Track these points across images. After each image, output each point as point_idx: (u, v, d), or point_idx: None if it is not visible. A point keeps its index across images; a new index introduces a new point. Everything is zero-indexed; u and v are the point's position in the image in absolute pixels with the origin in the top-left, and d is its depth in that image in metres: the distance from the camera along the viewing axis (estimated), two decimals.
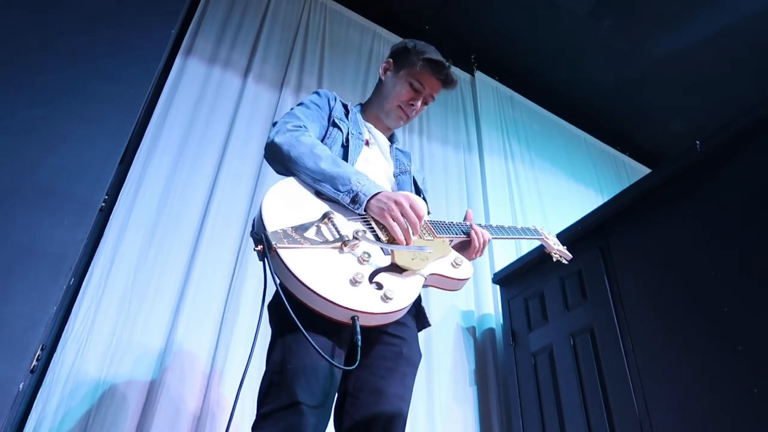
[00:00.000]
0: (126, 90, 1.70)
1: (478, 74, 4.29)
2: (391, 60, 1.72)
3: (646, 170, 4.93)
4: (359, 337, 1.10)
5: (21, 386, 1.22)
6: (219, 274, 2.42)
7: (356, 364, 1.11)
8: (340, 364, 1.25)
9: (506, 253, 3.32)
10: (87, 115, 1.61)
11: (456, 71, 4.19)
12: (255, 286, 2.42)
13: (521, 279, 2.83)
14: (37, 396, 1.90)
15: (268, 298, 1.25)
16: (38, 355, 1.28)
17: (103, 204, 1.54)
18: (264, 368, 1.28)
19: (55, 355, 1.99)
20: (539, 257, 2.70)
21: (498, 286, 3.02)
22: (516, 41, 4.16)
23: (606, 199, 2.56)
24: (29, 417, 1.86)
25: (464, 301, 3.10)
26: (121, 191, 2.41)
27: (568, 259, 1.79)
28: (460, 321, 3.02)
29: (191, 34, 3.04)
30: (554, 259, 1.78)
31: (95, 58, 1.72)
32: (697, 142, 2.05)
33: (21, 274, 1.32)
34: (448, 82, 1.67)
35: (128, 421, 1.98)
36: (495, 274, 3.04)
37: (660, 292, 2.09)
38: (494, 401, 2.76)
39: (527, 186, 3.96)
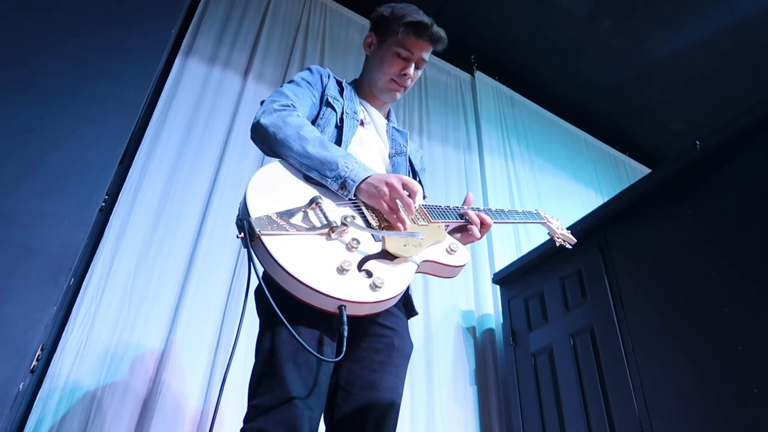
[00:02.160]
0: (126, 90, 1.70)
1: (478, 74, 4.29)
2: (372, 33, 1.62)
3: (646, 170, 4.93)
4: (346, 327, 1.06)
5: (21, 386, 1.22)
6: (219, 274, 2.42)
7: (341, 356, 1.08)
8: (331, 352, 1.20)
9: (506, 253, 3.32)
10: (87, 115, 1.61)
11: (456, 71, 4.21)
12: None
13: (521, 279, 2.83)
14: (37, 396, 1.90)
15: (254, 285, 1.21)
16: (38, 355, 1.28)
17: (103, 204, 1.54)
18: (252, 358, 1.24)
19: (55, 355, 1.99)
20: (539, 257, 2.70)
21: (498, 286, 3.02)
22: (516, 41, 4.16)
23: (606, 199, 2.56)
24: (29, 417, 1.86)
25: (464, 301, 3.10)
26: (121, 191, 2.41)
27: (573, 243, 1.70)
28: (460, 321, 3.02)
29: (191, 34, 3.04)
30: (557, 244, 1.69)
31: (95, 58, 1.72)
32: (697, 142, 2.05)
33: (21, 274, 1.32)
34: (435, 41, 1.56)
35: (128, 421, 1.98)
36: (495, 274, 3.04)
37: (660, 292, 2.09)
38: (494, 401, 2.76)
39: (527, 186, 3.96)
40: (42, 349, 1.31)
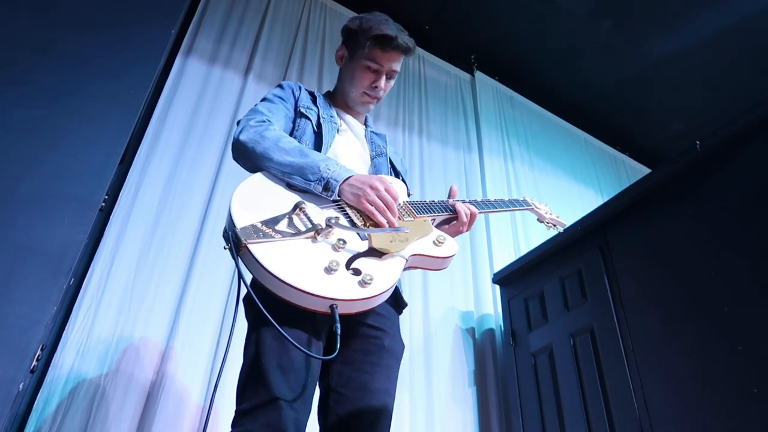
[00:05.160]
0: (126, 90, 1.70)
1: (478, 74, 4.29)
2: (344, 45, 1.62)
3: (646, 170, 4.93)
4: (338, 325, 1.09)
5: (21, 386, 1.22)
6: (219, 274, 2.42)
7: (335, 353, 1.10)
8: (317, 354, 1.24)
9: (506, 253, 3.32)
10: (87, 115, 1.60)
11: (456, 71, 4.21)
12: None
13: (521, 279, 2.82)
14: (38, 396, 1.90)
15: (244, 291, 1.24)
16: (38, 355, 1.28)
17: (103, 204, 1.54)
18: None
19: (55, 355, 1.99)
20: (539, 257, 2.70)
21: (498, 286, 3.02)
22: (516, 41, 4.16)
23: (606, 199, 2.56)
24: (30, 417, 1.86)
25: (464, 302, 3.10)
26: (121, 191, 2.41)
27: (564, 227, 1.73)
28: (460, 321, 3.02)
29: (191, 33, 3.04)
30: (547, 228, 1.72)
31: (95, 58, 1.72)
32: (697, 142, 2.05)
33: (21, 274, 1.32)
34: (403, 51, 1.55)
35: (128, 421, 1.98)
36: (495, 274, 3.04)
37: (660, 292, 2.09)
38: (494, 402, 2.76)
39: (527, 186, 3.96)
40: (42, 349, 1.31)
